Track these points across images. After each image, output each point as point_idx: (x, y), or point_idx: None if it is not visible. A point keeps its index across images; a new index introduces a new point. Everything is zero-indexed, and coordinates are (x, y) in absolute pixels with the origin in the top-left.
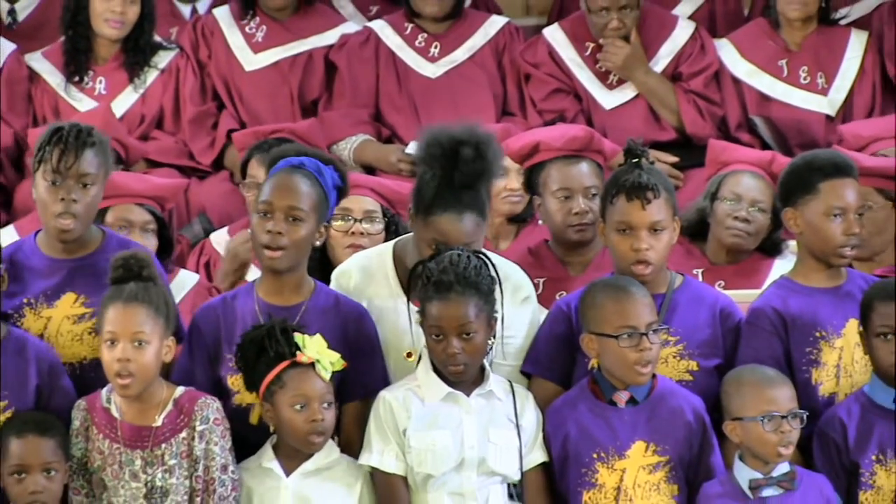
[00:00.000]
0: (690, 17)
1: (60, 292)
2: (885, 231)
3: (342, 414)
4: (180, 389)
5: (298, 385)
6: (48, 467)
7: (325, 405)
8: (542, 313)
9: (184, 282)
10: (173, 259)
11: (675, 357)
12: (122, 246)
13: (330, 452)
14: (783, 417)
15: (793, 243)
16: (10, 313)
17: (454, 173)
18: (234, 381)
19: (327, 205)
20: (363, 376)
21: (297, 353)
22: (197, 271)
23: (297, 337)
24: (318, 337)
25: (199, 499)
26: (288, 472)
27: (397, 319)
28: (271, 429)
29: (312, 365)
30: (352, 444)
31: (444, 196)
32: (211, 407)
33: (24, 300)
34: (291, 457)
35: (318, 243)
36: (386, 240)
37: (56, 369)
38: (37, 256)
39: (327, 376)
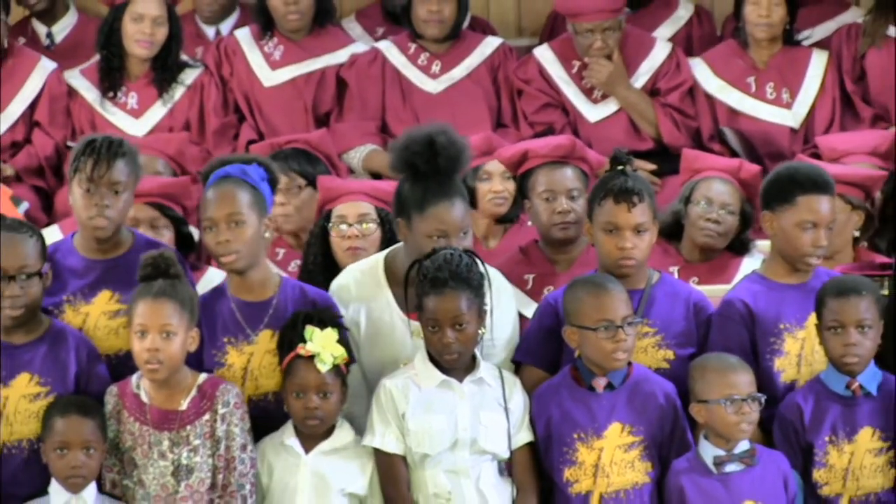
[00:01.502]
0: (670, 39)
1: (97, 290)
2: (844, 232)
3: None
4: (203, 376)
5: (298, 375)
6: (88, 445)
7: (322, 395)
8: (528, 306)
9: (212, 278)
10: (202, 257)
11: (653, 347)
12: (150, 246)
13: (346, 434)
14: (743, 400)
15: (760, 243)
16: (50, 309)
17: (437, 161)
18: (221, 374)
19: (263, 198)
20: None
21: (300, 345)
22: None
23: (308, 330)
24: (329, 331)
25: (220, 475)
26: (307, 450)
27: (393, 332)
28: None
29: (312, 358)
30: None
31: (432, 188)
32: (231, 392)
33: (64, 297)
34: (311, 436)
35: (267, 235)
36: (382, 236)
37: (93, 357)
38: (73, 257)
39: (324, 369)
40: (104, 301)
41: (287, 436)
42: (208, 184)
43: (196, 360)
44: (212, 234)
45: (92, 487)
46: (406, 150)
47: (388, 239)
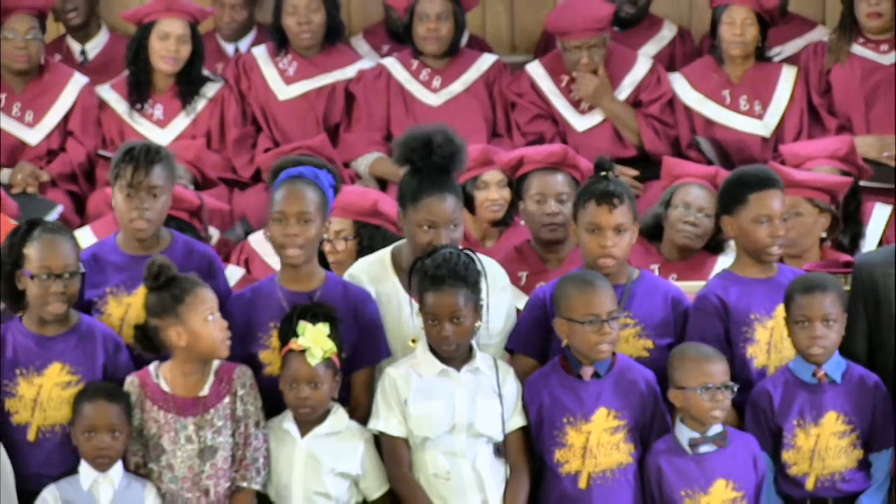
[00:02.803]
0: (655, 56)
1: (138, 282)
2: (812, 234)
3: (353, 380)
4: (216, 362)
5: (291, 368)
6: (113, 428)
7: (313, 385)
8: (522, 299)
9: (230, 276)
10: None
11: (634, 337)
12: (187, 245)
13: (341, 420)
14: (717, 388)
15: (733, 243)
16: (95, 300)
17: (432, 157)
18: (265, 356)
19: (328, 202)
20: (369, 349)
21: (292, 339)
22: (238, 265)
23: (300, 325)
24: (320, 326)
25: (238, 451)
26: (303, 434)
27: (400, 313)
28: None
29: (303, 352)
30: (360, 405)
31: (426, 183)
32: (246, 374)
33: (107, 289)
34: (306, 421)
35: (325, 236)
36: (358, 249)
37: (118, 348)
38: (116, 253)
39: (314, 363)
40: (146, 293)
41: (285, 421)
42: (281, 178)
43: (242, 343)
44: (280, 227)
45: (118, 466)
46: (406, 146)
47: (364, 250)
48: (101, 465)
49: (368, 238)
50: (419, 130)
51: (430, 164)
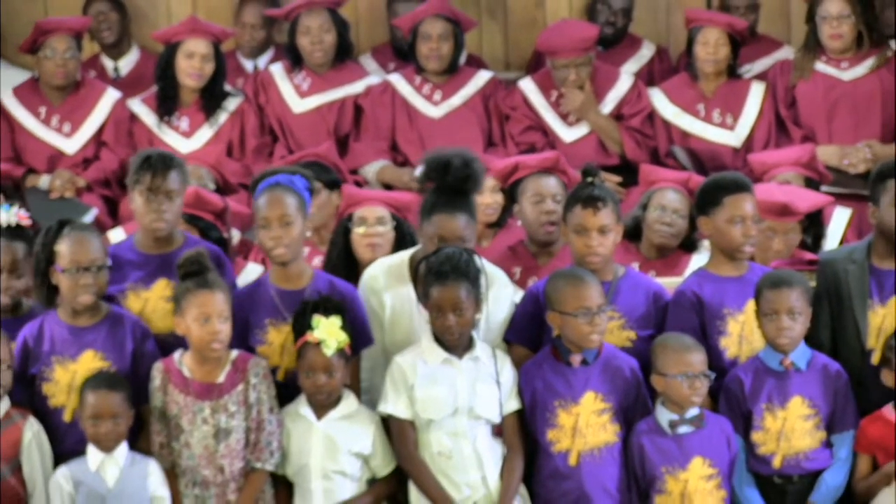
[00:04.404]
0: (635, 73)
1: (154, 279)
2: (788, 241)
3: None
4: (234, 352)
5: (308, 358)
6: (116, 414)
7: (328, 374)
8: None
9: (250, 272)
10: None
11: (619, 328)
12: (196, 244)
13: (352, 403)
14: (695, 376)
15: (707, 242)
16: (115, 295)
17: (447, 179)
18: (263, 350)
19: (305, 203)
20: (356, 340)
21: (308, 332)
22: (257, 263)
23: (315, 319)
24: (333, 319)
25: (252, 435)
26: (319, 418)
27: (411, 320)
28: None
29: (318, 344)
30: (352, 388)
31: (440, 201)
32: (260, 365)
33: (127, 285)
34: (321, 406)
35: (308, 234)
36: (395, 235)
37: (145, 337)
38: (133, 253)
39: (329, 353)
40: (161, 288)
41: (301, 406)
42: (260, 188)
43: (240, 338)
44: (265, 232)
45: (123, 447)
46: (429, 164)
47: (399, 237)
48: (107, 448)
49: (403, 225)
50: (442, 152)
51: (446, 184)
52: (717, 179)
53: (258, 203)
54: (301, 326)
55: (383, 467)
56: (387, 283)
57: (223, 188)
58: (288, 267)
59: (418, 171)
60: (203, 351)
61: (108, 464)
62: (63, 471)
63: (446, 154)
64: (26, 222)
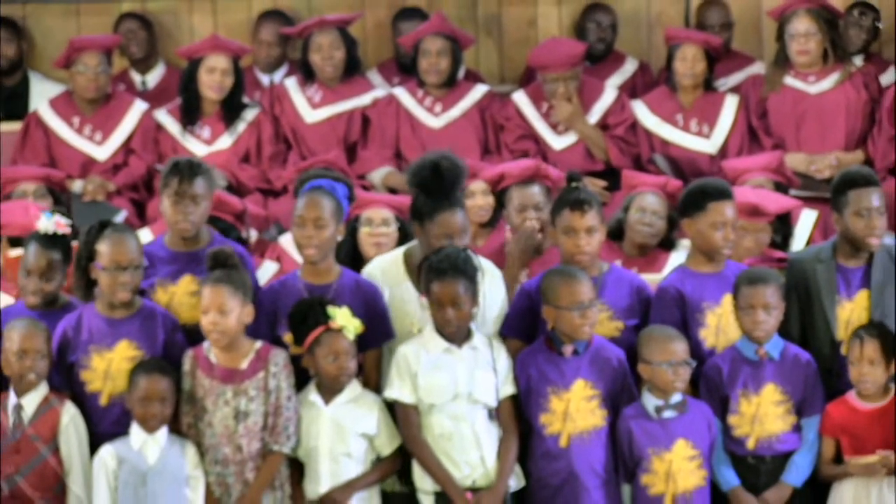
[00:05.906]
0: (620, 86)
1: (182, 274)
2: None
3: (365, 358)
4: (258, 343)
5: (331, 344)
6: (164, 397)
7: (350, 358)
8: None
9: (266, 270)
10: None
11: (608, 320)
12: (223, 243)
13: (356, 388)
14: (679, 364)
15: (684, 241)
16: (145, 289)
17: (440, 181)
18: (288, 338)
19: (342, 210)
20: (378, 332)
21: (329, 321)
22: (273, 261)
23: (330, 309)
24: (345, 308)
25: (270, 419)
26: (326, 403)
27: (406, 306)
28: (311, 372)
29: (341, 329)
30: (371, 378)
31: (439, 201)
32: (281, 355)
33: (156, 280)
34: (328, 392)
35: (339, 238)
36: (398, 234)
37: (175, 328)
38: (163, 250)
39: (351, 338)
40: (188, 283)
41: (311, 393)
42: (304, 188)
43: (269, 329)
44: (300, 230)
45: (164, 429)
46: (418, 173)
47: (402, 236)
48: (151, 428)
49: (406, 226)
50: (427, 159)
51: (439, 185)
52: (702, 186)
53: (298, 202)
54: (310, 325)
55: (387, 447)
56: (384, 278)
57: (236, 189)
58: (317, 264)
59: (408, 179)
60: (210, 341)
61: (150, 444)
62: (108, 448)
63: (431, 158)
64: (64, 230)
